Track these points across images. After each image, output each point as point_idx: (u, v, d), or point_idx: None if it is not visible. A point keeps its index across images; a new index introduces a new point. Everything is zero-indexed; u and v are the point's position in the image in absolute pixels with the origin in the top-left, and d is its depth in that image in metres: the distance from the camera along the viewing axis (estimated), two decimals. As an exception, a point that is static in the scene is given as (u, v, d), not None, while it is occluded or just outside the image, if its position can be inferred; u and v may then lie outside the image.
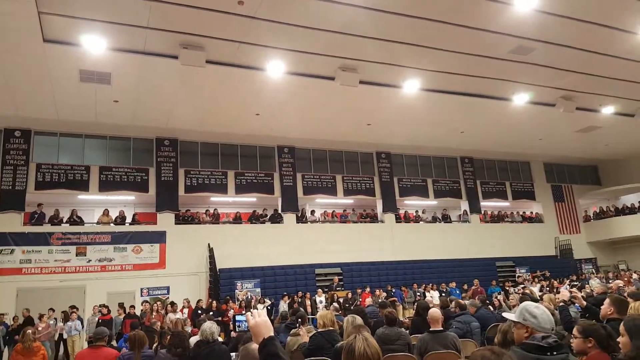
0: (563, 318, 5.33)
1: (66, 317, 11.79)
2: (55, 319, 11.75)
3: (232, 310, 12.16)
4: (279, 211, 17.19)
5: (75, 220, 14.53)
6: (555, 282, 16.30)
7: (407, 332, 6.02)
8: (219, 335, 6.61)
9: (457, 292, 15.25)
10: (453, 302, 7.83)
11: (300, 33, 10.66)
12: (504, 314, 3.21)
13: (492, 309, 9.13)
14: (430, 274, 17.18)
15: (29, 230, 13.72)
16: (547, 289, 14.78)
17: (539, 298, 8.40)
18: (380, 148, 19.13)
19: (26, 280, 13.22)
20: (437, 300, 12.74)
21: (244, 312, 10.07)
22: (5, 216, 13.51)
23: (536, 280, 17.21)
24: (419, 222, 19.59)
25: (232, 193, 16.62)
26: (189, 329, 9.35)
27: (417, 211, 20.10)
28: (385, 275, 16.73)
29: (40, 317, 11.29)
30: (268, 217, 17.08)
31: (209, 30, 10.42)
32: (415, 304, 9.24)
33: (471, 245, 19.11)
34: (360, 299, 13.98)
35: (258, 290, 14.60)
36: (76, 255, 13.89)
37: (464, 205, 20.68)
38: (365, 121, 16.21)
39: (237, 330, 7.04)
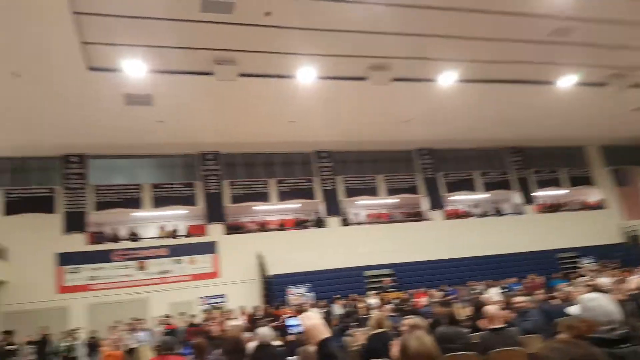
0: (635, 308, 5.01)
1: (133, 329, 12.40)
2: (128, 330, 12.38)
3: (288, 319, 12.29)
4: (323, 215, 17.28)
5: (133, 237, 15.27)
6: (626, 271, 15.28)
7: (468, 331, 5.87)
8: (276, 340, 6.74)
9: (517, 287, 14.65)
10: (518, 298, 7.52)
11: (327, 37, 10.73)
12: (568, 309, 3.09)
13: (555, 302, 8.71)
14: (487, 271, 16.54)
15: (93, 249, 14.57)
16: (616, 279, 13.89)
17: (607, 289, 7.93)
18: (421, 144, 18.78)
19: (94, 295, 14.05)
20: (496, 297, 12.29)
21: (296, 316, 10.13)
22: (71, 237, 14.44)
23: (605, 270, 16.20)
24: (469, 218, 19.03)
25: (275, 200, 16.91)
26: (247, 334, 9.52)
27: (466, 206, 19.55)
28: (439, 274, 16.29)
29: (111, 329, 11.92)
30: (312, 222, 17.19)
31: (239, 44, 10.67)
32: (472, 302, 8.98)
33: (528, 237, 18.25)
34: (415, 300, 13.74)
35: (310, 294, 14.69)
36: (137, 270, 14.62)
37: (516, 196, 19.91)
38: (402, 118, 15.98)
39: (288, 333, 7.12)
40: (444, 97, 14.35)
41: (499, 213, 19.56)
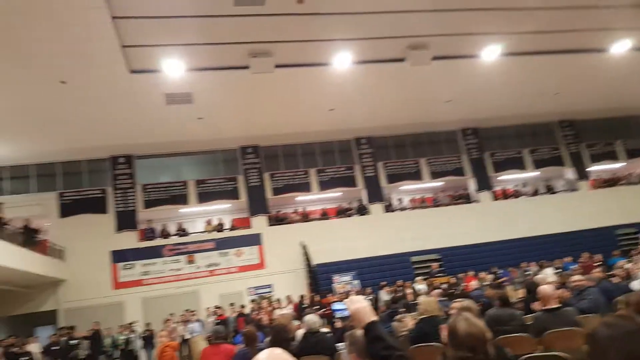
0: None
1: (186, 320, 12.85)
2: (177, 322, 12.83)
3: (333, 304, 12.33)
4: (365, 203, 17.15)
5: (181, 232, 15.77)
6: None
7: (521, 313, 5.62)
8: (324, 327, 6.76)
9: (573, 267, 13.94)
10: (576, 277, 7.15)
11: (363, 20, 10.53)
12: (632, 284, 2.85)
13: (615, 281, 8.20)
14: (541, 251, 15.85)
15: (144, 245, 15.18)
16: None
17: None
18: (465, 124, 18.17)
19: (147, 290, 14.67)
20: (551, 278, 11.76)
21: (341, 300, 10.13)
22: (123, 235, 15.11)
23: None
24: (519, 197, 18.31)
25: (316, 190, 16.95)
26: (295, 323, 9.62)
27: (516, 185, 18.82)
28: (488, 256, 15.79)
29: (165, 321, 12.40)
30: (354, 210, 17.10)
31: (273, 35, 10.66)
32: (525, 283, 8.62)
33: (584, 215, 17.31)
34: (465, 283, 13.40)
35: (356, 282, 14.65)
36: (187, 264, 15.13)
37: (569, 172, 18.91)
38: (444, 98, 15.50)
39: (335, 317, 7.14)
40: (488, 73, 13.83)
41: (550, 191, 18.68)
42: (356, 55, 11.87)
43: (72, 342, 12.21)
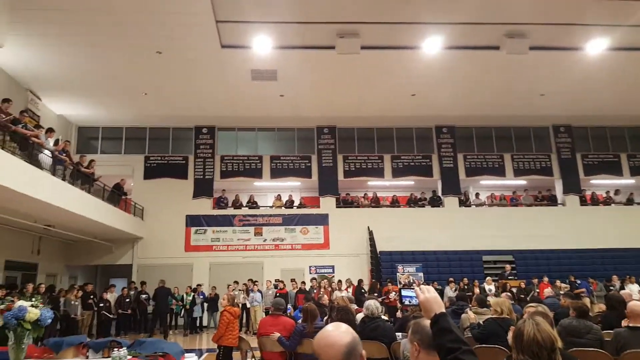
0: None
1: (248, 289, 13.36)
2: (240, 290, 13.39)
3: (393, 293, 12.15)
4: (439, 194, 16.58)
5: (252, 204, 16.33)
6: None
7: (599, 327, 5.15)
8: (384, 315, 6.68)
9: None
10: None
11: (458, 3, 9.95)
12: None
13: None
14: (627, 265, 14.49)
15: (217, 213, 15.91)
16: None
17: None
18: (558, 120, 16.84)
19: (216, 256, 15.42)
20: (636, 295, 10.66)
21: (412, 287, 9.94)
22: (198, 201, 15.95)
23: None
24: (610, 205, 16.72)
25: (389, 177, 16.65)
26: (354, 306, 9.61)
27: (607, 192, 17.19)
28: (567, 264, 14.70)
29: (229, 287, 12.97)
30: (427, 200, 16.61)
31: (362, 15, 10.43)
32: (607, 297, 7.85)
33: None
34: (538, 290, 12.58)
35: (420, 274, 14.30)
36: (254, 235, 15.68)
37: (673, 183, 16.91)
38: (538, 91, 14.40)
39: (403, 303, 7.01)
40: (589, 68, 12.72)
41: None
42: (447, 40, 11.34)
43: (142, 296, 13.23)
